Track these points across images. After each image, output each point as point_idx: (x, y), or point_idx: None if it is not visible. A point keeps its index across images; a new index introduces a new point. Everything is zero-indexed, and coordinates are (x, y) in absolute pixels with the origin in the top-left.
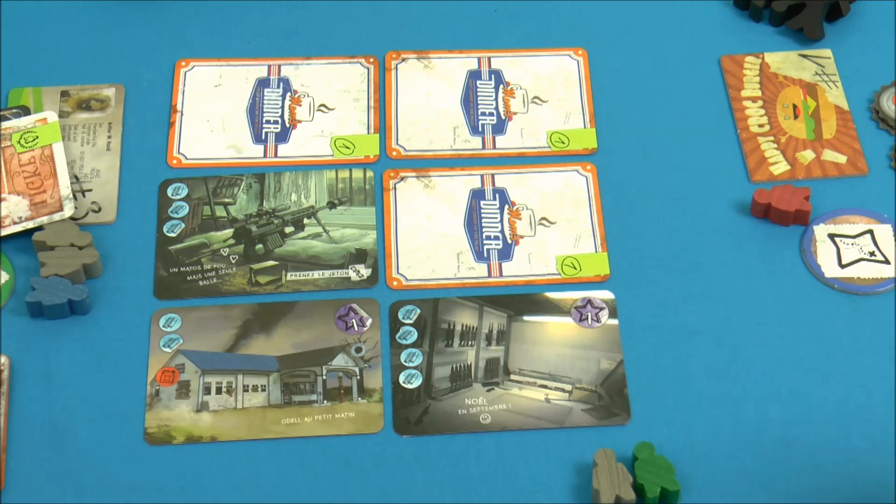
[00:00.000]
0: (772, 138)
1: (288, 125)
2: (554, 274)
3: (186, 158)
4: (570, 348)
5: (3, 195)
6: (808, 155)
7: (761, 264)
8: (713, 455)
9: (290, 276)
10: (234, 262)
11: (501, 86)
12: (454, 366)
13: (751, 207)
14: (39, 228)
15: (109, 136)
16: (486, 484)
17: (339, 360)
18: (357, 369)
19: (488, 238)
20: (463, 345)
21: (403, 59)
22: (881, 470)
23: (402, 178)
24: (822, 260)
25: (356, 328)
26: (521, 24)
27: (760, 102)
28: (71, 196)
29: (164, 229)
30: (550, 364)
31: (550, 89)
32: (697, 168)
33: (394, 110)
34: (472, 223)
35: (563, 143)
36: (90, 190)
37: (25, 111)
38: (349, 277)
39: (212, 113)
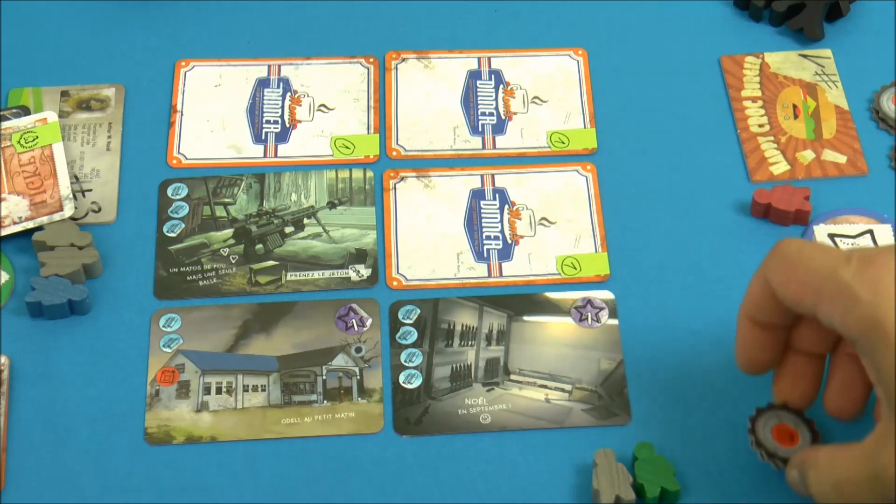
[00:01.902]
0: (772, 138)
1: (288, 125)
2: (554, 274)
3: (186, 158)
4: (570, 348)
5: (3, 195)
6: (808, 155)
7: None
8: (713, 455)
9: (290, 276)
10: (234, 262)
11: (501, 86)
12: (454, 366)
13: (751, 207)
14: (39, 228)
15: (109, 136)
16: (486, 484)
17: (339, 360)
18: (357, 369)
19: (488, 238)
20: (463, 345)
21: (403, 59)
22: None
23: (402, 178)
24: None
25: (356, 328)
26: (521, 24)
27: (760, 102)
28: (71, 196)
29: (164, 229)
30: (550, 364)
31: (550, 89)
32: (697, 168)
33: (394, 110)
34: (472, 223)
35: (563, 143)
36: (90, 190)
37: (25, 111)
38: (349, 277)
39: (212, 113)
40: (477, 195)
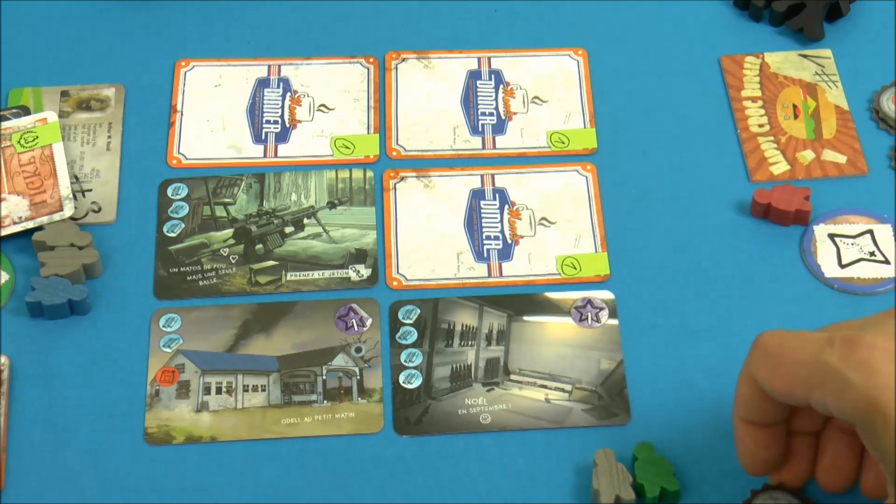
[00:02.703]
0: (772, 138)
1: (288, 125)
2: (554, 274)
3: (186, 158)
4: (570, 348)
5: (3, 195)
6: (808, 155)
7: (761, 264)
8: (713, 455)
9: (290, 276)
10: (234, 262)
11: (501, 86)
12: (454, 366)
13: (751, 207)
14: (39, 228)
15: (109, 136)
16: (486, 484)
17: (339, 360)
18: (357, 369)
19: (488, 238)
20: (463, 345)
21: (403, 59)
22: None
23: (402, 178)
24: (822, 260)
25: (356, 328)
26: (521, 24)
27: (760, 102)
28: (71, 196)
29: (164, 229)
30: (550, 364)
31: (550, 89)
32: (697, 168)
33: (394, 110)
34: (472, 223)
35: (563, 143)
36: (90, 190)
37: (25, 111)
38: (349, 277)
39: (212, 113)
40: (477, 195)
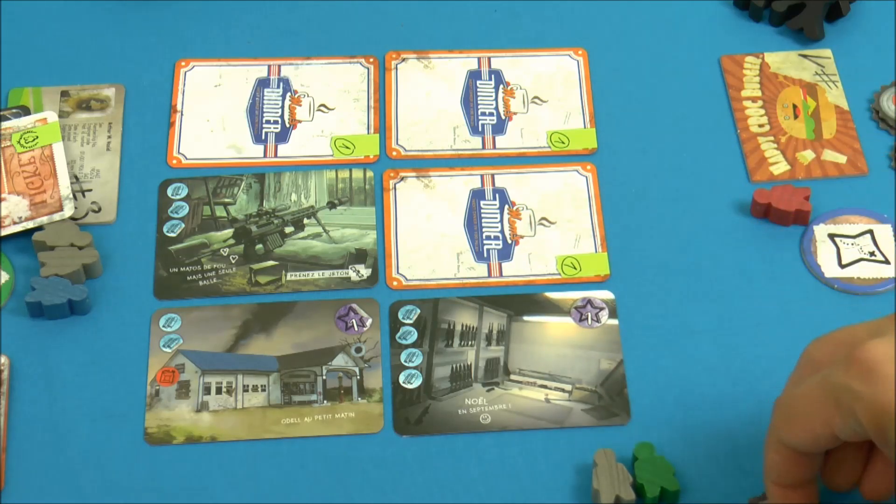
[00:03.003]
0: (772, 138)
1: (288, 125)
2: (554, 274)
3: (186, 158)
4: (570, 348)
5: (3, 195)
6: (808, 155)
7: (761, 264)
8: (713, 455)
9: (290, 276)
10: (234, 262)
11: (501, 86)
12: (454, 366)
13: (751, 207)
14: (39, 228)
15: (109, 136)
16: (486, 484)
17: (339, 360)
18: (357, 369)
19: (488, 238)
20: (463, 345)
21: (403, 59)
22: None
23: (402, 178)
24: (822, 260)
25: (356, 328)
26: (521, 24)
27: (760, 102)
28: (71, 196)
29: (164, 229)
30: (550, 364)
31: (550, 89)
32: (697, 168)
33: (394, 110)
34: (472, 223)
35: (563, 143)
36: (90, 190)
37: (25, 111)
38: (349, 277)
39: (212, 113)
40: (477, 195)
